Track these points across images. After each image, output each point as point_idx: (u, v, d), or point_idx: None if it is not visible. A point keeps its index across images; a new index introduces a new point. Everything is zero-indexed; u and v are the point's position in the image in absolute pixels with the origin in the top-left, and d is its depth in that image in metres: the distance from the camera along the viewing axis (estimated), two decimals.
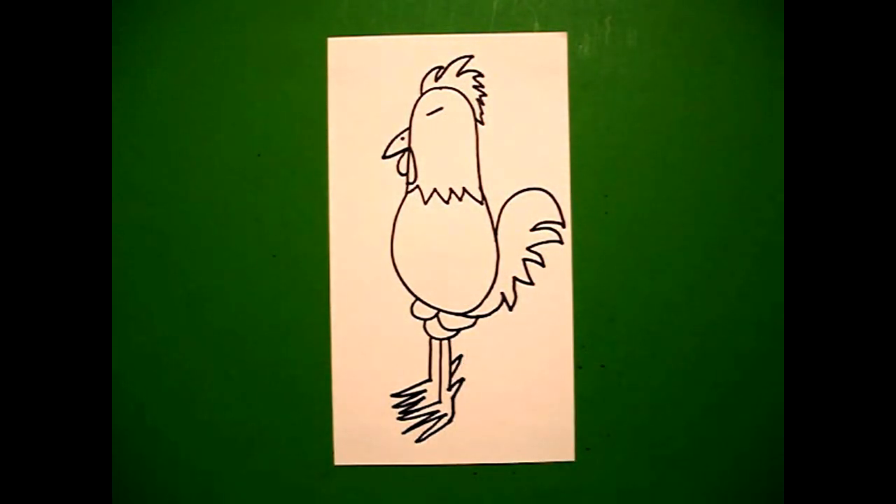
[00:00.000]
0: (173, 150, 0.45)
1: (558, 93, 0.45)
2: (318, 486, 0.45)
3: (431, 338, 0.45)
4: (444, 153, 0.45)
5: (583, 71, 0.45)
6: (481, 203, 0.45)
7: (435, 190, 0.45)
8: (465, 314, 0.45)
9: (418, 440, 0.45)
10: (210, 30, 0.45)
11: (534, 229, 0.44)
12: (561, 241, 0.45)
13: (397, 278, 0.45)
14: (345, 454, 0.45)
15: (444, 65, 0.45)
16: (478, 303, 0.45)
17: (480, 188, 0.45)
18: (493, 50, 0.45)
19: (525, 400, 0.44)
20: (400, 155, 0.45)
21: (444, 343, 0.45)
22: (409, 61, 0.45)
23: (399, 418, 0.45)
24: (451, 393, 0.45)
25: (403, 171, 0.45)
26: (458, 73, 0.45)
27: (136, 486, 0.45)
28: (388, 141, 0.45)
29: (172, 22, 0.45)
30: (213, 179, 0.45)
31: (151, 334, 0.45)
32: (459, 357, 0.45)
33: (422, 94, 0.45)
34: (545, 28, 0.45)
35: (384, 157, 0.45)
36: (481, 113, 0.45)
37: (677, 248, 0.44)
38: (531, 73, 0.45)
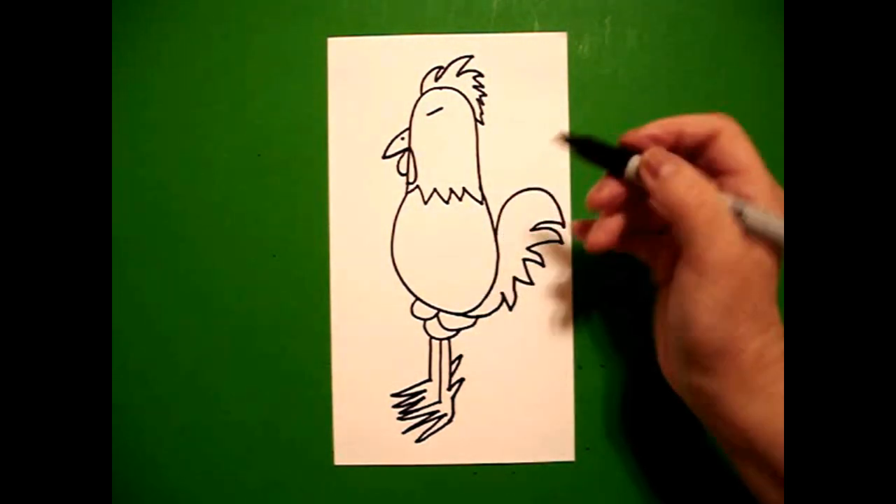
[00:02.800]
0: (173, 150, 0.45)
1: (558, 93, 0.45)
2: (318, 486, 0.45)
3: (431, 338, 0.45)
4: (444, 153, 0.45)
5: (583, 71, 0.45)
6: (481, 203, 0.45)
7: (435, 190, 0.45)
8: (465, 314, 0.45)
9: (418, 440, 0.45)
10: (210, 30, 0.45)
11: (534, 229, 0.45)
12: (561, 241, 0.45)
13: (397, 278, 0.45)
14: (345, 454, 0.45)
15: (444, 65, 0.45)
16: (478, 303, 0.45)
17: (480, 188, 0.45)
18: (493, 50, 0.45)
19: (525, 400, 0.44)
20: (400, 155, 0.45)
21: (444, 343, 0.45)
22: (409, 61, 0.45)
23: (399, 418, 0.45)
24: (451, 393, 0.45)
25: (403, 171, 0.45)
26: (458, 73, 0.45)
27: (136, 486, 0.45)
28: (388, 141, 0.45)
29: (172, 22, 0.45)
30: (213, 179, 0.45)
31: (151, 334, 0.45)
32: (459, 357, 0.45)
33: (422, 94, 0.45)
34: (545, 28, 0.45)
35: (384, 157, 0.45)
36: (481, 113, 0.45)
37: None
38: (531, 73, 0.45)
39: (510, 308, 0.45)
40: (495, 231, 0.45)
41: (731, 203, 0.32)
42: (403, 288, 0.45)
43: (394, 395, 0.45)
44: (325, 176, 0.45)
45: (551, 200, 0.44)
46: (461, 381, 0.45)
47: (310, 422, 0.45)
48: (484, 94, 0.45)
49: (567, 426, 0.44)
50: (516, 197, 0.45)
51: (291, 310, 0.45)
